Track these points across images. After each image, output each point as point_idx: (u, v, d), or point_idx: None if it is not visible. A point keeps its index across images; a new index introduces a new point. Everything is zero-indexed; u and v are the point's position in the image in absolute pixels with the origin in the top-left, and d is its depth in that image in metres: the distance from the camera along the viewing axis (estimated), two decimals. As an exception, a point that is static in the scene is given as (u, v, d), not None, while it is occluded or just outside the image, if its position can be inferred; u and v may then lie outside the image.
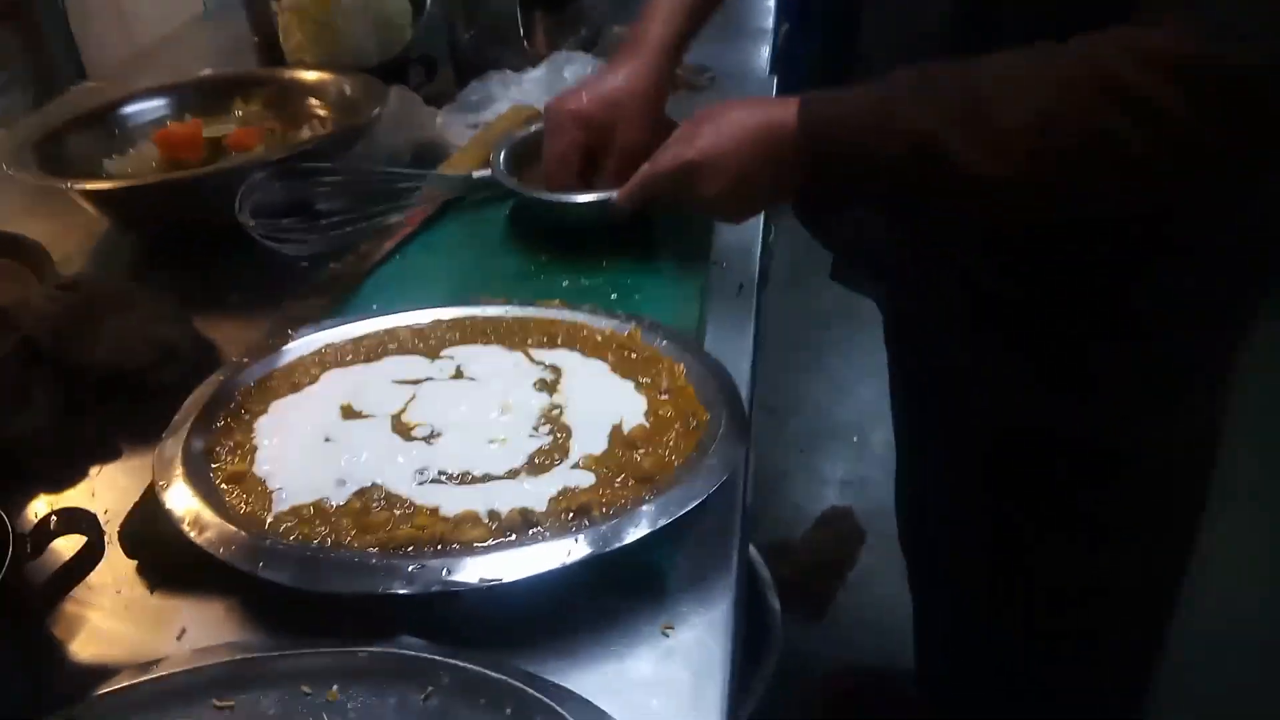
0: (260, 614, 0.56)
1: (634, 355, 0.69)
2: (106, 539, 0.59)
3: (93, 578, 0.58)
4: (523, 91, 1.06)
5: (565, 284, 0.82)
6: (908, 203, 0.72)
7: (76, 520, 0.55)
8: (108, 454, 0.71)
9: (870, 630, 1.58)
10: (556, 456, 0.60)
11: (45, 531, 0.54)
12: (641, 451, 0.60)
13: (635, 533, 0.53)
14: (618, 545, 0.53)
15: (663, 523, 0.54)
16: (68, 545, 0.56)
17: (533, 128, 0.95)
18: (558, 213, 0.86)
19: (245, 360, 0.70)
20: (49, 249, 0.89)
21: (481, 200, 0.94)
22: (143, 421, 0.71)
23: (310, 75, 1.10)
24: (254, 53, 1.30)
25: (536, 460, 0.60)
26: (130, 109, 1.08)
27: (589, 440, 0.61)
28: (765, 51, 1.33)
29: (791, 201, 0.77)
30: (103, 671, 0.53)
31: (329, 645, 0.51)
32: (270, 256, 0.85)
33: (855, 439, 1.92)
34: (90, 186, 0.87)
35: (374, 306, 0.81)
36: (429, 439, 0.62)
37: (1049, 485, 0.85)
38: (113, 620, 0.57)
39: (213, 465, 0.61)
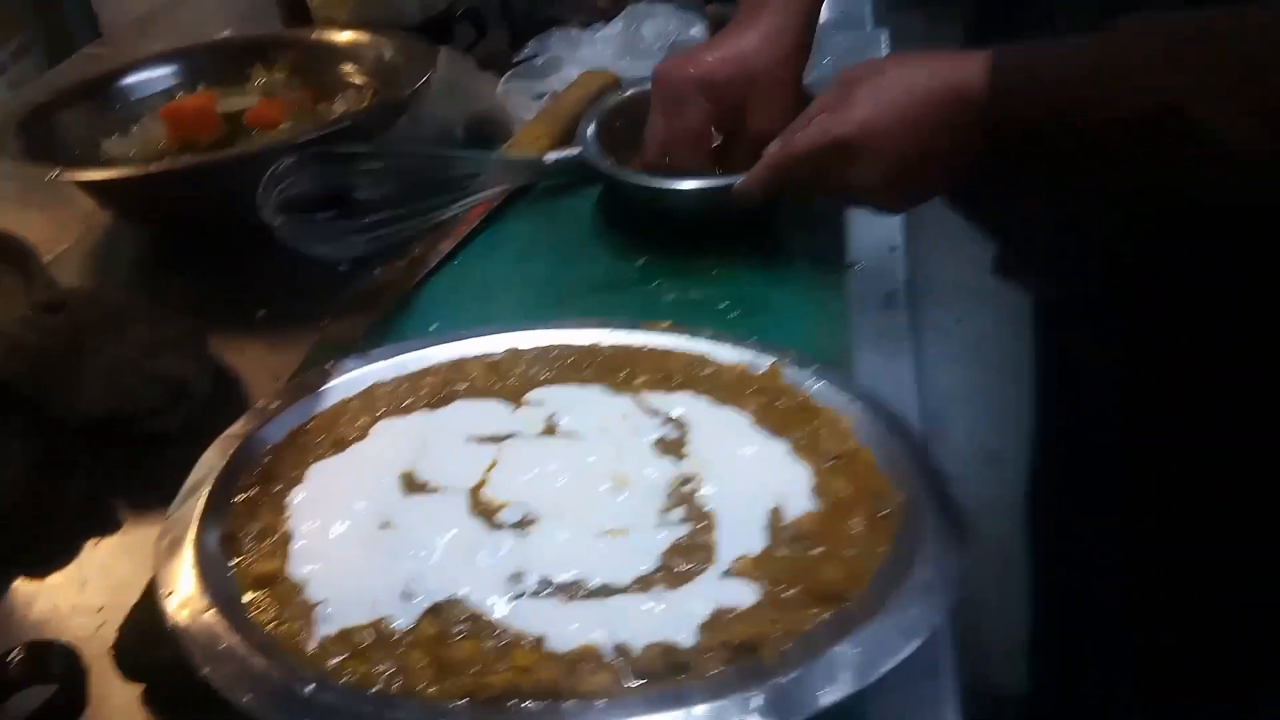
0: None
1: (780, 403, 0.52)
2: (105, 655, 0.44)
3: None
4: (594, 53, 0.89)
5: (671, 297, 0.65)
6: (1127, 182, 0.57)
7: (45, 661, 0.40)
8: (101, 526, 0.55)
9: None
10: (699, 558, 0.44)
11: (3, 680, 0.39)
12: (817, 552, 0.44)
13: (833, 690, 0.37)
14: (809, 711, 0.36)
15: (874, 676, 0.37)
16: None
17: (620, 97, 0.78)
18: (663, 203, 0.69)
19: (274, 405, 0.54)
20: (39, 247, 0.74)
21: (556, 188, 0.77)
22: (146, 479, 0.56)
23: (342, 36, 0.93)
24: (277, 11, 1.13)
25: (672, 564, 0.44)
26: (132, 79, 0.92)
27: (739, 532, 0.45)
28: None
29: (961, 184, 0.61)
30: None
31: None
32: (302, 260, 0.69)
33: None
34: (82, 176, 0.71)
35: (431, 328, 0.65)
36: (521, 526, 0.46)
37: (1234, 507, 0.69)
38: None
39: (233, 561, 0.46)
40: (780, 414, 0.52)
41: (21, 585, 0.53)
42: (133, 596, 0.47)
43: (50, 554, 0.54)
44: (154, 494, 0.55)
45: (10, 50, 2.09)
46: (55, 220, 0.84)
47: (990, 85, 0.54)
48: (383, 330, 0.65)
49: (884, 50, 1.00)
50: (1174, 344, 0.67)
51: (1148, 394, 0.72)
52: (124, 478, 0.57)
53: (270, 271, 0.71)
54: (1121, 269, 0.66)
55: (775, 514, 0.45)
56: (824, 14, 0.74)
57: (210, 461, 0.51)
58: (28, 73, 2.13)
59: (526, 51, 0.95)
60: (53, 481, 0.55)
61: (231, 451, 0.51)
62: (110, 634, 0.46)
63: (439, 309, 0.67)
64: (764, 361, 0.55)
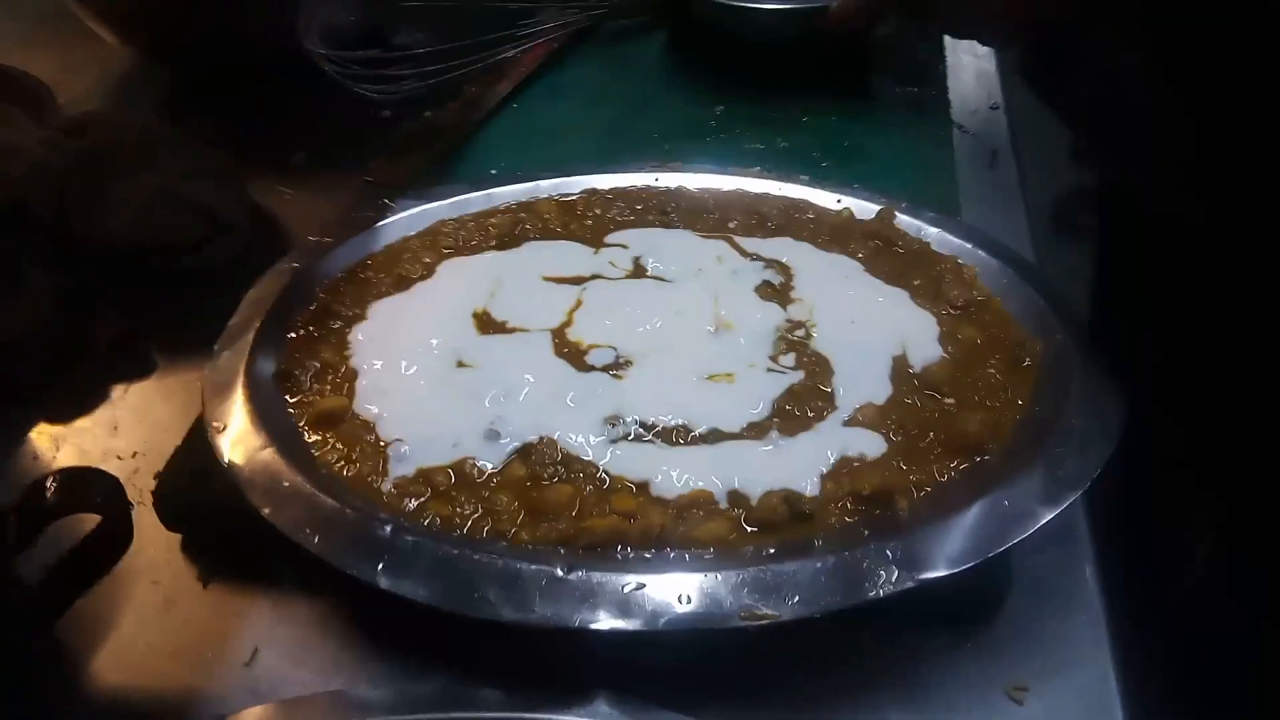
0: (373, 635, 0.36)
1: (894, 250, 0.47)
2: (139, 505, 0.39)
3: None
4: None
5: (757, 145, 0.59)
6: None
7: (86, 488, 0.35)
8: (134, 368, 0.50)
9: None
10: (818, 405, 0.39)
11: (40, 506, 0.34)
12: (950, 402, 0.39)
13: (978, 547, 0.32)
14: (955, 569, 0.32)
15: (1022, 534, 0.33)
16: (79, 522, 0.37)
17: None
18: (750, 26, 0.63)
19: (327, 239, 0.49)
20: (54, 89, 0.68)
21: (623, 31, 0.70)
22: (183, 320, 0.51)
23: None
24: None
25: (789, 409, 0.39)
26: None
27: (861, 379, 0.40)
28: None
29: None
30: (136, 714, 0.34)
31: (487, 705, 0.32)
32: (346, 101, 0.63)
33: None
34: (103, -2, 0.64)
35: (491, 173, 0.59)
36: (615, 370, 0.41)
37: None
38: (149, 629, 0.38)
39: (292, 398, 0.41)
40: (896, 260, 0.46)
41: (45, 429, 0.48)
42: (172, 441, 0.42)
43: (78, 395, 0.49)
44: (192, 336, 0.49)
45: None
46: (69, 61, 0.77)
47: None
48: (435, 176, 0.59)
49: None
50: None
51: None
52: (159, 317, 0.52)
53: (307, 112, 0.65)
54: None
55: (900, 361, 0.41)
56: None
57: (259, 296, 0.46)
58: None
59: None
60: (79, 317, 0.50)
61: (283, 286, 0.46)
62: (146, 480, 0.42)
63: (496, 155, 0.61)
64: (871, 207, 0.49)
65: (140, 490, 0.42)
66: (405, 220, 0.50)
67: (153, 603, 0.39)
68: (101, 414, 0.48)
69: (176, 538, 0.41)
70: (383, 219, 0.51)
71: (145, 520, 0.41)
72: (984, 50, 0.67)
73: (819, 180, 0.52)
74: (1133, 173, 0.74)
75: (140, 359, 0.51)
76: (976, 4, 0.54)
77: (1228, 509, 0.53)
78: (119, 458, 0.46)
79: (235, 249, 0.54)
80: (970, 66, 0.64)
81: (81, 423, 0.48)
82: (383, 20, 0.65)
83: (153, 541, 0.41)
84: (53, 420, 0.48)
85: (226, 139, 0.67)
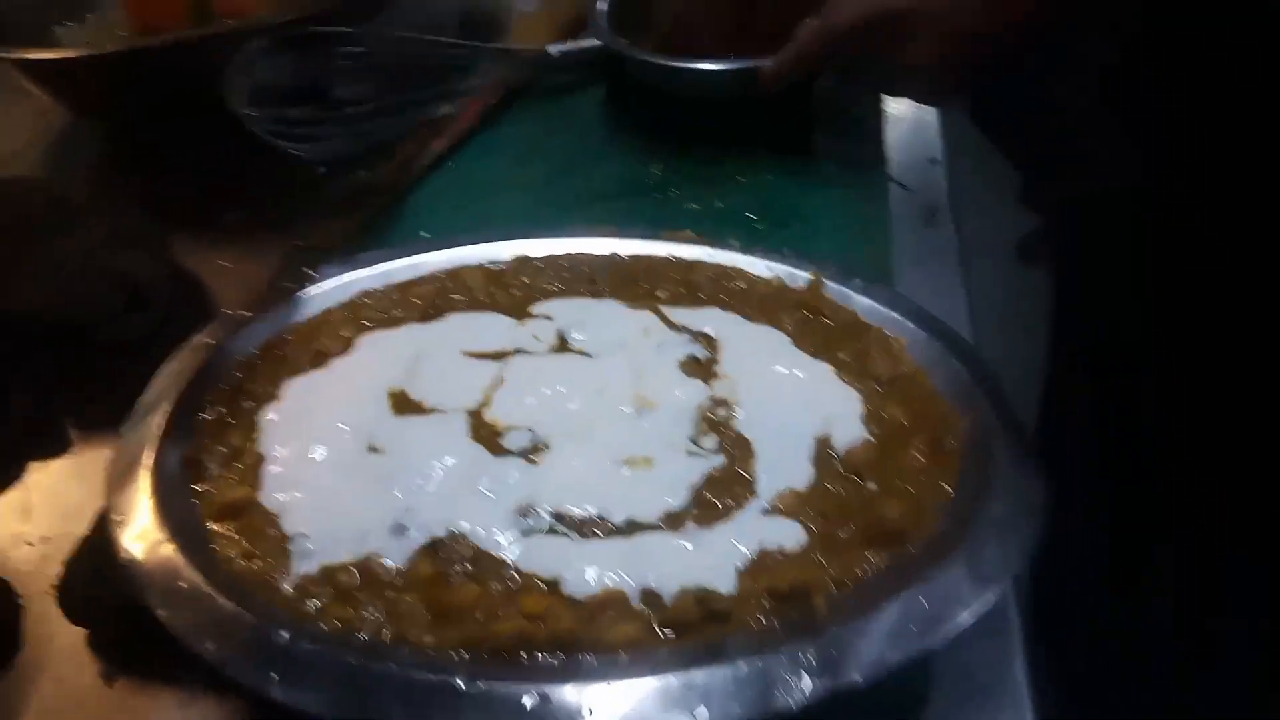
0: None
1: (822, 320, 0.46)
2: (46, 594, 0.38)
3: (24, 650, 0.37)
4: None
5: (692, 206, 0.58)
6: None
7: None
8: (47, 446, 0.49)
9: None
10: (738, 492, 0.38)
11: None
12: (873, 487, 0.38)
13: (898, 648, 0.31)
14: (872, 672, 0.31)
15: (945, 632, 0.32)
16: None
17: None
18: (683, 86, 0.62)
19: (245, 313, 0.48)
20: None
21: (561, 86, 0.70)
22: (98, 395, 0.50)
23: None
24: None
25: (706, 498, 0.38)
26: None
27: (783, 463, 0.39)
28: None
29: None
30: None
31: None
32: (277, 159, 0.62)
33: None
34: (30, 55, 0.62)
35: (422, 234, 0.58)
36: (530, 454, 0.40)
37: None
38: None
39: (197, 486, 0.40)
40: (823, 332, 0.46)
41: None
42: (81, 527, 0.41)
43: (-10, 478, 0.47)
44: (107, 411, 0.48)
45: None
46: (4, 118, 0.76)
47: None
48: (367, 238, 0.58)
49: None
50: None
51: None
52: (73, 392, 0.50)
53: (240, 172, 0.63)
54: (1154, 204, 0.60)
55: (823, 443, 0.40)
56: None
57: (172, 373, 0.44)
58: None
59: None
60: (-5, 393, 0.49)
61: (197, 363, 0.44)
62: (54, 569, 0.40)
63: (430, 216, 0.60)
64: (801, 275, 0.49)
65: (49, 578, 0.41)
66: (328, 291, 0.49)
67: (55, 701, 0.38)
68: (12, 496, 0.47)
69: (82, 632, 0.39)
70: (304, 289, 0.49)
71: (52, 612, 0.40)
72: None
73: (751, 246, 0.51)
74: (1081, 211, 0.75)
75: (54, 437, 0.49)
76: (906, 68, 0.54)
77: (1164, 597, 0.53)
78: (28, 543, 0.45)
79: (155, 319, 0.53)
80: (908, 119, 0.64)
81: (-13, 507, 0.46)
82: (319, 73, 0.64)
83: (59, 634, 0.39)
84: (-42, 503, 0.46)
85: (158, 199, 0.67)
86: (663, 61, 0.61)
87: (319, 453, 0.40)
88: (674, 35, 0.63)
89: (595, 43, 0.66)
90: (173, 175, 0.68)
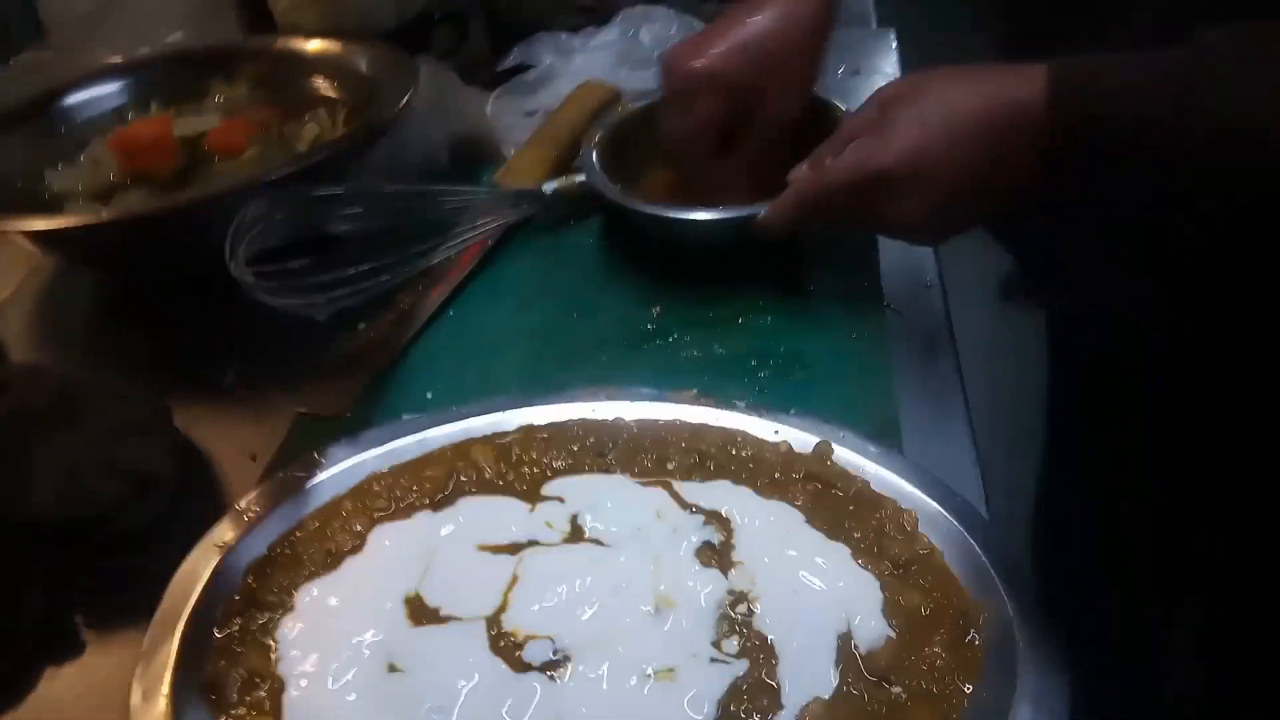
0: None
1: (833, 492, 0.46)
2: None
3: None
4: (589, 63, 0.81)
5: (695, 353, 0.58)
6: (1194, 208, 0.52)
7: None
8: (62, 649, 0.48)
9: None
10: (763, 703, 0.38)
11: None
12: (898, 691, 0.38)
13: None
14: None
15: None
16: None
17: (622, 113, 0.71)
18: (678, 234, 0.63)
19: (254, 509, 0.48)
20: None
21: (556, 220, 0.70)
22: (109, 589, 0.50)
23: (311, 45, 0.84)
24: (233, 11, 1.03)
25: (734, 710, 0.38)
26: (78, 98, 0.82)
27: (807, 667, 0.39)
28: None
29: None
30: None
31: None
32: (274, 311, 0.61)
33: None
34: (21, 226, 0.63)
35: (427, 394, 0.58)
36: (552, 669, 0.40)
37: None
38: None
39: (219, 716, 0.39)
40: (835, 507, 0.46)
41: (-31, 727, 0.46)
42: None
43: (5, 688, 0.47)
44: (120, 606, 0.48)
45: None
46: (-6, 259, 0.76)
47: (1051, 106, 0.48)
48: (371, 398, 0.58)
49: (893, 52, 0.94)
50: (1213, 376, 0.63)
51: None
52: (84, 589, 0.50)
53: (240, 325, 0.63)
54: (1159, 297, 0.61)
55: (845, 641, 0.40)
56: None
57: (185, 584, 0.44)
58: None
59: (511, 58, 0.87)
60: (4, 595, 0.48)
61: (209, 572, 0.44)
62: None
63: (433, 371, 0.60)
64: (808, 440, 0.49)
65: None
66: (336, 477, 0.49)
67: None
68: (29, 705, 0.46)
69: None
70: (312, 477, 0.49)
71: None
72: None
73: (755, 406, 0.51)
74: (1082, 304, 0.76)
75: (67, 640, 0.48)
76: (898, 224, 0.55)
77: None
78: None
79: (163, 505, 0.52)
80: (901, 245, 0.64)
81: (5, 717, 0.46)
82: (317, 227, 0.64)
83: None
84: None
85: (154, 355, 0.67)
86: (653, 211, 0.62)
87: (339, 675, 0.40)
88: (667, 156, 0.65)
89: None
90: (168, 328, 0.68)
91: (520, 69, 0.84)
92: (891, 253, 0.65)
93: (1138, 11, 0.57)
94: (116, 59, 1.14)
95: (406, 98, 0.72)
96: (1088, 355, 0.85)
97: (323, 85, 0.83)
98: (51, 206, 0.73)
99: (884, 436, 0.51)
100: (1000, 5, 0.74)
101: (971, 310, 1.05)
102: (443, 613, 0.42)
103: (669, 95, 0.63)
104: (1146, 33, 0.55)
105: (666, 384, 0.54)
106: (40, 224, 0.63)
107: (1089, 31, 0.61)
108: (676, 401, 0.52)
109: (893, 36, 0.97)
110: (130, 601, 0.47)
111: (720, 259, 0.63)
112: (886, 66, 0.92)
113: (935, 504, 0.45)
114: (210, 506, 0.54)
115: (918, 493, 0.46)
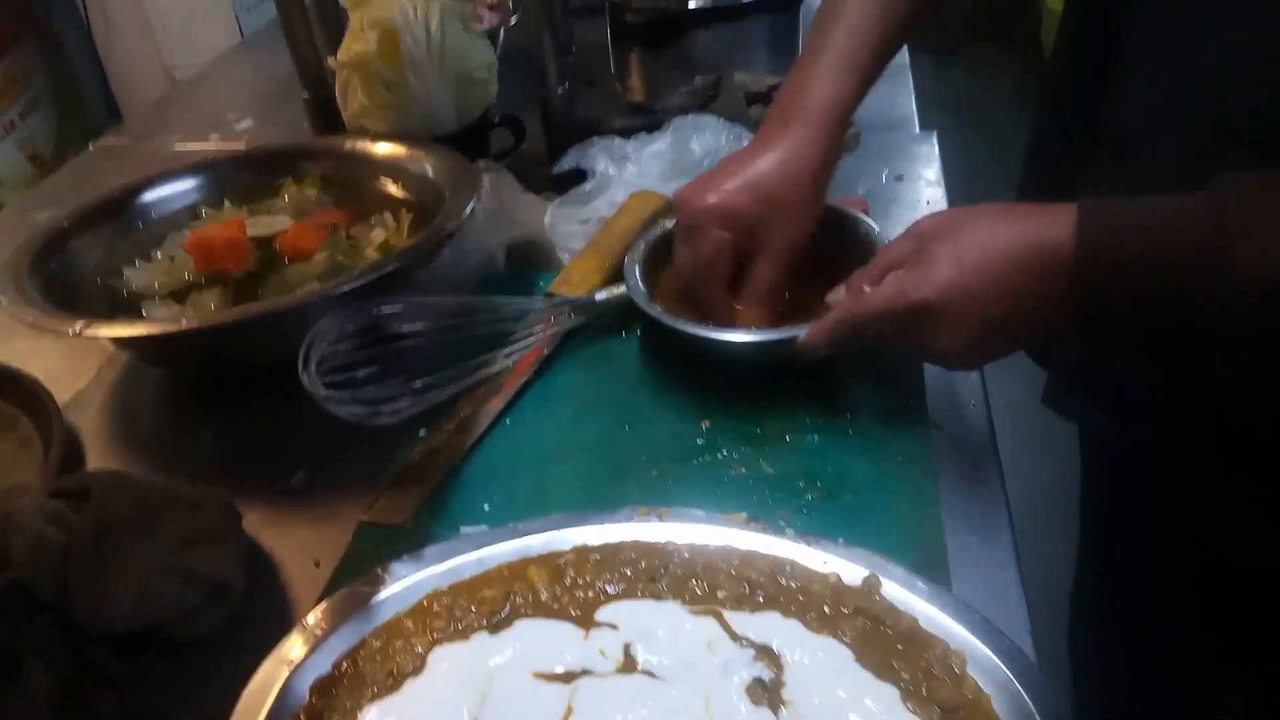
0: None
1: (882, 629, 0.47)
2: None
3: None
4: (642, 171, 0.85)
5: (742, 470, 0.60)
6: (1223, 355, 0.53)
7: None
8: (135, 759, 0.50)
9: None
10: None
11: None
12: (946, 847, 0.39)
13: None
14: None
15: None
16: None
17: (665, 227, 0.74)
18: (719, 354, 0.65)
19: (320, 626, 0.50)
20: (53, 384, 0.71)
21: (608, 325, 0.73)
22: (180, 693, 0.52)
23: (379, 148, 0.89)
24: (301, 102, 1.08)
25: None
26: (154, 195, 0.87)
27: (855, 816, 0.40)
28: (910, 96, 1.11)
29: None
30: None
31: None
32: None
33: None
34: (104, 332, 0.66)
35: (485, 506, 0.60)
36: (607, 807, 0.41)
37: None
38: None
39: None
40: (884, 645, 0.47)
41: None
42: None
43: (74, 793, 0.49)
44: (192, 709, 0.50)
45: (19, 109, 2.06)
46: (72, 353, 0.80)
47: (1078, 245, 0.50)
48: (431, 507, 0.61)
49: (936, 157, 0.96)
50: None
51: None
52: (155, 692, 0.52)
53: (307, 425, 0.66)
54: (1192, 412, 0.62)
55: (893, 792, 0.40)
56: (863, 111, 0.71)
57: (254, 700, 0.46)
58: (37, 129, 2.11)
59: (566, 160, 0.90)
60: (78, 707, 0.50)
61: (277, 689, 0.46)
62: None
63: (491, 482, 0.62)
64: (857, 572, 0.50)
65: None
66: (398, 594, 0.51)
67: None
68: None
69: None
70: (376, 593, 0.51)
71: None
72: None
73: (804, 535, 0.53)
74: (1116, 415, 0.77)
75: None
76: (936, 352, 0.56)
77: None
78: None
79: (232, 609, 0.55)
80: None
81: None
82: (383, 339, 0.67)
83: None
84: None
85: (224, 455, 0.69)
86: (693, 331, 0.64)
87: (401, 805, 0.41)
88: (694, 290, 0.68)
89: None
90: (238, 426, 0.71)
91: (576, 173, 0.88)
92: (936, 371, 0.67)
93: (1161, 143, 0.59)
94: (190, 145, 1.21)
95: (471, 205, 0.75)
96: (1123, 468, 0.85)
97: (389, 187, 0.87)
98: (130, 304, 0.77)
99: (931, 568, 0.52)
100: (1037, 140, 0.76)
101: (1014, 419, 1.07)
102: (501, 743, 0.44)
103: (682, 230, 0.67)
104: (1167, 167, 0.57)
105: (716, 504, 0.56)
106: (123, 330, 0.67)
107: (1111, 149, 0.63)
108: (727, 525, 0.54)
109: (934, 140, 0.99)
110: (201, 703, 0.49)
111: (761, 376, 0.65)
112: (929, 172, 0.94)
113: (984, 646, 0.46)
114: (275, 611, 0.57)
115: (965, 633, 0.46)
